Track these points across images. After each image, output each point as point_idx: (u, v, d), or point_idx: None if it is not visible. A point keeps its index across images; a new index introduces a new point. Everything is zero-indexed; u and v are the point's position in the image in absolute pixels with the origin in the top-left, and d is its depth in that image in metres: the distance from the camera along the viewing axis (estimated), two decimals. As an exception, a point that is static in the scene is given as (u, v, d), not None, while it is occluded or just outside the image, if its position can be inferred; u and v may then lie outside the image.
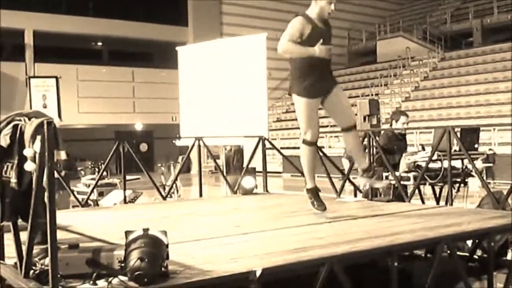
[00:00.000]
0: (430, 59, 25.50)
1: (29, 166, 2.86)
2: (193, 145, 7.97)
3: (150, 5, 25.89)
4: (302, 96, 5.04)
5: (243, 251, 3.74)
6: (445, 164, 6.31)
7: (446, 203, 6.25)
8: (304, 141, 5.21)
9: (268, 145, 8.39)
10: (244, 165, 8.18)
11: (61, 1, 24.51)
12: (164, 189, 9.39)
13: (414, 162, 6.85)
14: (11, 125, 3.06)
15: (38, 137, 2.78)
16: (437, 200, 7.01)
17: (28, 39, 23.45)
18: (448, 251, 4.31)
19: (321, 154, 7.63)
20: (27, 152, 2.86)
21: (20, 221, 3.21)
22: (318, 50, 4.84)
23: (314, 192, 5.22)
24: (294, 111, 23.61)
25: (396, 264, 3.75)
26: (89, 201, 7.64)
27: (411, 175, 6.73)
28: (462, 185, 6.79)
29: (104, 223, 5.46)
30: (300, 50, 4.91)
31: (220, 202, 7.42)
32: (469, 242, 5.27)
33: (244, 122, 8.89)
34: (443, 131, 6.29)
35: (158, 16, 25.86)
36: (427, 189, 7.49)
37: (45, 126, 2.72)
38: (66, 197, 7.90)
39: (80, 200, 7.33)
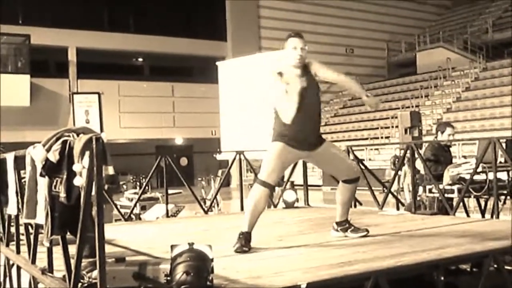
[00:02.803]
0: (472, 69, 25.09)
1: (78, 181, 2.92)
2: (234, 159, 8.00)
3: (189, 21, 26.21)
4: (279, 141, 4.53)
5: (286, 265, 3.74)
6: (490, 176, 6.19)
7: (492, 216, 6.12)
8: (264, 183, 4.51)
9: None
10: (285, 178, 8.16)
11: (103, 19, 25.00)
12: (205, 202, 9.45)
13: (458, 174, 6.74)
14: (60, 141, 3.13)
15: (87, 153, 2.83)
16: (483, 213, 6.88)
17: (72, 56, 23.96)
18: (496, 265, 4.22)
19: (362, 167, 7.57)
20: (76, 167, 2.91)
21: (68, 235, 3.27)
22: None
23: (248, 236, 4.53)
24: (333, 124, 23.63)
25: (442, 278, 3.69)
26: (131, 215, 7.74)
27: (455, 187, 6.62)
28: (508, 197, 6.65)
29: (148, 237, 5.52)
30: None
31: (262, 216, 7.41)
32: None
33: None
34: (488, 142, 6.18)
35: (197, 31, 26.15)
36: (471, 202, 7.36)
37: (94, 142, 2.78)
38: (109, 211, 8.01)
39: (123, 214, 7.44)
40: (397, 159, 10.40)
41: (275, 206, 8.07)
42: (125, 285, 3.03)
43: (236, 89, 10.05)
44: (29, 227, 3.95)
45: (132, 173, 21.43)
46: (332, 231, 4.95)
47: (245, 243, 4.40)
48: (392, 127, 21.90)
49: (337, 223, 4.93)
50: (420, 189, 7.10)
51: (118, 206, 7.92)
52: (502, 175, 6.54)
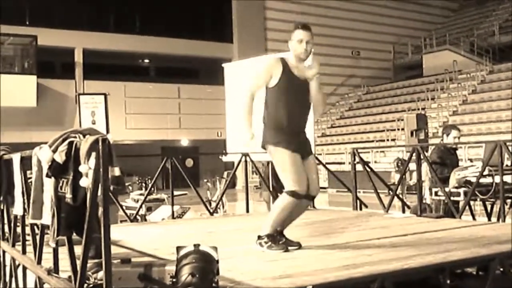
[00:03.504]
0: (478, 72, 25.03)
1: (84, 182, 2.92)
2: (239, 161, 8.00)
3: (196, 22, 26.25)
4: (283, 148, 4.35)
5: (292, 267, 3.73)
6: (497, 179, 6.16)
7: (498, 219, 6.10)
8: (292, 193, 4.27)
9: (314, 160, 8.36)
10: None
11: (109, 20, 25.08)
12: (210, 204, 9.45)
13: (464, 177, 6.72)
14: (66, 142, 3.13)
15: (93, 154, 2.84)
16: (489, 216, 6.85)
17: (78, 57, 24.05)
18: (502, 269, 4.20)
19: (368, 169, 7.57)
20: (82, 168, 2.92)
21: (74, 236, 3.27)
22: (249, 138, 4.33)
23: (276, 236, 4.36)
24: (339, 126, 23.54)
25: (448, 281, 3.68)
26: (137, 216, 7.75)
27: (461, 190, 6.59)
28: (514, 200, 6.62)
29: (153, 238, 5.53)
30: (243, 117, 4.38)
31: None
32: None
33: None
34: (494, 145, 6.15)
35: (203, 33, 26.20)
36: (477, 205, 7.33)
37: (100, 143, 2.78)
38: (114, 212, 8.03)
39: (129, 215, 7.45)
40: (400, 162, 10.40)
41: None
42: (130, 286, 3.03)
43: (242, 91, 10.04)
44: (35, 227, 3.96)
45: (137, 174, 21.43)
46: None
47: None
48: (398, 129, 21.87)
49: (264, 235, 4.40)
50: (426, 192, 7.08)
51: (124, 207, 7.93)
52: (509, 178, 6.52)
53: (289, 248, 4.34)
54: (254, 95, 4.47)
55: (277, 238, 4.35)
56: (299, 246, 4.41)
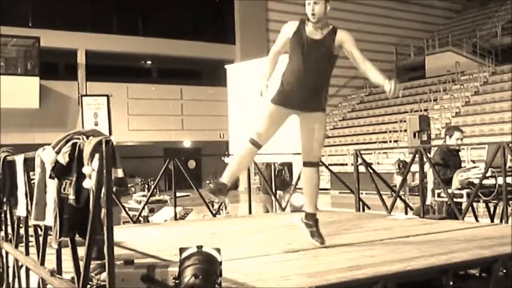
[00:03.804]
0: (481, 73, 25.01)
1: (87, 183, 2.93)
2: (242, 162, 7.99)
3: (198, 24, 26.27)
4: (271, 102, 4.60)
5: (295, 268, 3.73)
6: (500, 180, 6.16)
7: (501, 221, 6.10)
8: (251, 140, 4.58)
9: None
10: (293, 182, 8.16)
11: (112, 22, 25.12)
12: (213, 205, 9.45)
13: (467, 178, 6.71)
14: (70, 143, 3.14)
15: (97, 155, 2.84)
16: (492, 218, 6.84)
17: (81, 59, 24.09)
18: (505, 270, 4.19)
19: (370, 171, 7.56)
20: (86, 169, 2.92)
21: (77, 237, 3.28)
22: (263, 89, 4.60)
23: (225, 186, 4.61)
24: (341, 127, 23.52)
25: (451, 283, 3.68)
26: (140, 218, 7.75)
27: (464, 192, 6.59)
28: (517, 202, 6.61)
29: (156, 240, 5.53)
30: (268, 69, 4.68)
31: (270, 219, 7.42)
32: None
33: (292, 139, 8.87)
34: (497, 146, 6.15)
35: (205, 34, 26.22)
36: (480, 207, 7.33)
37: (104, 145, 2.79)
38: (117, 213, 8.04)
39: (132, 216, 7.45)
40: (401, 163, 10.40)
41: (283, 210, 8.07)
42: (133, 287, 3.03)
43: (245, 92, 10.04)
44: (38, 228, 3.96)
45: (140, 176, 21.50)
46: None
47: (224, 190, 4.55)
48: (401, 131, 21.86)
49: (307, 214, 4.81)
50: (429, 193, 7.08)
51: (127, 209, 7.93)
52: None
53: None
54: (276, 53, 4.71)
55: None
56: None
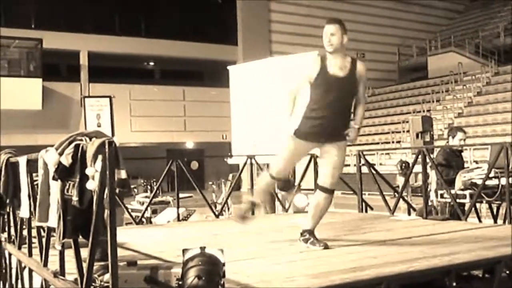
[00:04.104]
0: (483, 73, 24.96)
1: (91, 184, 2.93)
2: (245, 163, 8.01)
3: (200, 25, 26.27)
4: (295, 136, 4.65)
5: (298, 269, 3.73)
6: (503, 181, 6.15)
7: (504, 222, 6.09)
8: (270, 175, 4.80)
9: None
10: (296, 183, 8.16)
11: (114, 23, 25.12)
12: (216, 207, 9.45)
13: (470, 179, 6.70)
14: (73, 144, 3.15)
15: (100, 157, 2.85)
16: (495, 219, 6.83)
17: (83, 60, 24.08)
18: (508, 271, 4.20)
19: (373, 171, 7.56)
20: (89, 171, 2.93)
21: (80, 238, 3.28)
22: (286, 123, 4.62)
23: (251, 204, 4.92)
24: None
25: (454, 284, 3.67)
26: (143, 219, 7.76)
27: (467, 192, 6.59)
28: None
29: (159, 241, 5.54)
30: (288, 106, 4.67)
31: (273, 220, 7.42)
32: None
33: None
34: (500, 147, 6.14)
35: (208, 35, 26.21)
36: (483, 207, 7.31)
37: (107, 146, 2.79)
38: (120, 214, 8.04)
39: (134, 217, 7.46)
40: (403, 164, 10.37)
41: (286, 211, 8.07)
42: (136, 288, 3.04)
43: (247, 93, 10.06)
44: (41, 230, 3.97)
45: (143, 177, 21.47)
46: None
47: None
48: (403, 131, 21.82)
49: (306, 230, 4.75)
50: (432, 194, 7.07)
51: (129, 210, 7.94)
52: (515, 181, 6.50)
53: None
54: (297, 94, 4.72)
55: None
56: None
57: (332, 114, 4.58)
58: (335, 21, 4.72)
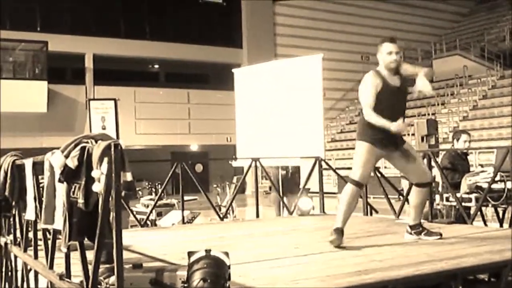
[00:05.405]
0: (489, 77, 24.92)
1: (97, 187, 2.93)
2: (249, 166, 8.01)
3: (205, 27, 26.31)
4: (367, 142, 4.98)
5: (303, 273, 3.72)
6: (509, 185, 6.13)
7: (510, 225, 6.06)
8: (352, 181, 4.96)
9: (324, 165, 8.35)
10: (301, 186, 8.15)
11: (120, 26, 25.17)
12: (220, 209, 9.45)
13: (476, 183, 6.68)
14: (78, 147, 3.15)
15: (106, 159, 2.85)
16: (501, 222, 6.81)
17: (88, 63, 24.15)
18: (514, 275, 4.17)
19: (378, 174, 7.55)
20: (95, 173, 2.93)
21: (86, 241, 3.28)
22: (394, 126, 4.79)
23: (340, 232, 4.90)
24: (348, 131, 23.52)
25: (460, 288, 3.66)
26: (147, 221, 7.76)
27: (472, 196, 6.57)
28: (526, 206, 6.58)
29: (164, 243, 5.54)
30: (380, 122, 4.84)
31: (278, 223, 7.41)
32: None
33: (300, 142, 8.88)
34: (506, 151, 6.12)
35: (212, 38, 26.25)
36: (489, 211, 7.29)
37: (112, 149, 2.79)
38: (125, 217, 8.05)
39: (139, 220, 7.46)
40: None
41: (291, 214, 8.06)
42: (142, 291, 3.04)
43: (252, 96, 10.06)
44: (47, 232, 3.97)
45: (147, 180, 21.49)
46: (406, 234, 5.18)
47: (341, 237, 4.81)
48: (409, 134, 21.76)
49: (410, 226, 5.16)
50: (437, 197, 7.06)
51: (134, 212, 7.95)
52: (521, 184, 6.48)
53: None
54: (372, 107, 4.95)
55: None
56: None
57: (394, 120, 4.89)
58: (395, 40, 5.09)
